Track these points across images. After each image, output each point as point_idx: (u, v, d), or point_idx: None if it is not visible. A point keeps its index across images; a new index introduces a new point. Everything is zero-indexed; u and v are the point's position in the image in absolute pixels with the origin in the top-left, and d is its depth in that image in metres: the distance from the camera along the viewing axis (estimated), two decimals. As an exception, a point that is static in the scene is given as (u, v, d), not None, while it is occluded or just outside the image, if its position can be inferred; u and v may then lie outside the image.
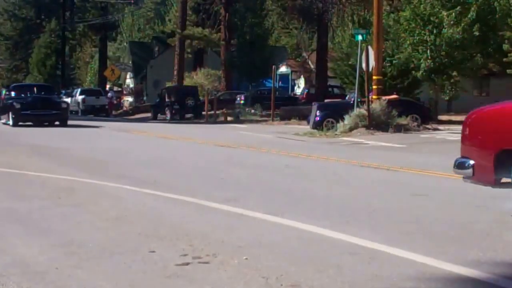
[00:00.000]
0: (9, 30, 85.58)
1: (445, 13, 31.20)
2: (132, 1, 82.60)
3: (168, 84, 52.96)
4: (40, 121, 32.35)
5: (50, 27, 79.03)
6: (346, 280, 5.47)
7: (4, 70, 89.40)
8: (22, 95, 34.52)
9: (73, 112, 56.55)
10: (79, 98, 56.27)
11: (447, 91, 34.18)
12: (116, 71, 61.69)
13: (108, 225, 7.81)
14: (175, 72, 53.05)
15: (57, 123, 33.24)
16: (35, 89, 36.83)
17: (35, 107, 32.56)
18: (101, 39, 74.74)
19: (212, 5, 55.32)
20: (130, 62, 75.45)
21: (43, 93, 35.41)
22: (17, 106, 32.49)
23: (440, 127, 28.83)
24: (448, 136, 23.88)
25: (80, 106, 55.93)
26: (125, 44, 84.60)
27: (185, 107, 45.69)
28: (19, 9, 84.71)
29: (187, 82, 53.33)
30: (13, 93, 35.07)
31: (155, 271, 5.78)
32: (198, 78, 54.12)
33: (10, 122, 32.46)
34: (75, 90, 62.19)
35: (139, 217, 8.35)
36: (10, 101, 33.64)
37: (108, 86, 72.10)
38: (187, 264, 5.99)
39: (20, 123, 32.50)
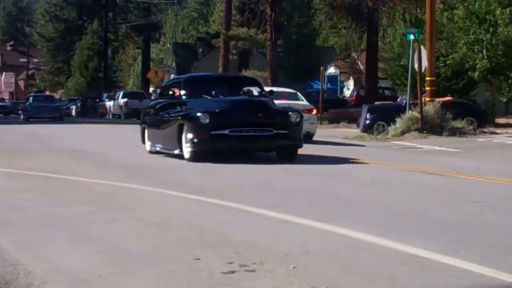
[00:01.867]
0: (51, 32, 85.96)
1: (499, 11, 30.64)
2: (175, 1, 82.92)
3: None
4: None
5: (92, 29, 79.32)
6: (398, 290, 5.30)
7: (46, 73, 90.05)
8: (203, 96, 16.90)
9: (116, 116, 57.04)
10: (122, 101, 56.59)
11: (505, 93, 33.56)
12: (159, 73, 61.91)
13: (152, 232, 7.73)
14: (220, 74, 53.09)
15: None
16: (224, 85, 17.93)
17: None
18: (144, 40, 75.21)
19: (258, 5, 55.16)
20: (174, 64, 75.70)
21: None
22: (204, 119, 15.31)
23: (498, 130, 28.41)
24: (507, 140, 23.56)
25: (123, 110, 56.19)
26: (168, 45, 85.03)
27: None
28: (61, 10, 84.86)
29: (232, 83, 53.31)
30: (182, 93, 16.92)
31: (200, 280, 5.67)
32: (244, 80, 54.07)
33: (187, 155, 15.72)
34: (118, 93, 62.62)
35: (183, 223, 8.28)
36: (184, 111, 16.30)
37: (151, 89, 72.47)
38: (233, 272, 5.86)
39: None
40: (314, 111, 26.06)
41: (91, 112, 64.15)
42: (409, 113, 26.23)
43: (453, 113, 26.42)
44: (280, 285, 5.50)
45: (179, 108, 16.59)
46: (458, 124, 26.27)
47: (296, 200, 10.23)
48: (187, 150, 15.53)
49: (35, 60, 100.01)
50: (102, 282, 5.66)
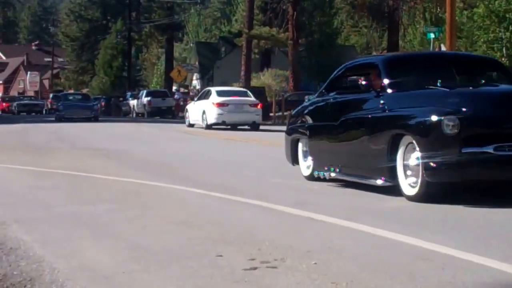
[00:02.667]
0: (75, 32, 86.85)
1: None
2: (199, 0, 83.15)
3: (235, 85, 53.14)
4: None
5: (116, 28, 79.93)
6: (418, 286, 5.33)
7: (70, 72, 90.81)
8: None
9: (140, 115, 57.31)
10: (145, 100, 56.79)
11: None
12: (182, 72, 62.16)
13: (175, 229, 7.78)
14: (242, 73, 53.16)
15: None
16: None
17: None
18: (167, 39, 75.45)
19: (280, 4, 55.21)
20: (197, 63, 75.96)
21: None
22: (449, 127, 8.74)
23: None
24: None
25: (146, 108, 56.42)
26: (191, 44, 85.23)
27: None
28: (85, 10, 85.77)
29: (254, 82, 53.46)
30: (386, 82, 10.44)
31: (223, 276, 5.72)
32: (265, 78, 54.23)
33: (414, 190, 9.48)
34: (141, 92, 62.87)
35: (206, 220, 8.31)
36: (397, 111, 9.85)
37: (174, 88, 72.72)
38: (255, 268, 5.90)
39: None
40: (259, 106, 33.84)
41: (115, 111, 64.47)
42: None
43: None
44: (301, 281, 5.52)
45: (382, 107, 10.06)
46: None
47: (316, 197, 10.24)
48: (412, 181, 9.36)
49: (60, 59, 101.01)
50: (125, 279, 5.71)
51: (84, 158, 17.28)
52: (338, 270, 5.84)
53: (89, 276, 5.84)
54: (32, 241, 7.18)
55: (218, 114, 32.20)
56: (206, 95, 34.65)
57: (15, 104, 71.73)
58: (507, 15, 30.79)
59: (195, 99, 38.05)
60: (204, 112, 33.01)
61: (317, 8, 54.05)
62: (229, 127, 32.73)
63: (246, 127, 33.06)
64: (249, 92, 36.29)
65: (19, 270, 6.09)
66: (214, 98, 32.98)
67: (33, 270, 6.05)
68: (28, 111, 68.55)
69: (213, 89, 35.37)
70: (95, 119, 44.29)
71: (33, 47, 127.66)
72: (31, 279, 5.79)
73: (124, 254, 6.57)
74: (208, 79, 72.29)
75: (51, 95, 69.07)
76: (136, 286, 5.52)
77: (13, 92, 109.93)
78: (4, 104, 77.62)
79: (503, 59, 31.05)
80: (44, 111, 69.95)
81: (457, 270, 5.79)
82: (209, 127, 32.49)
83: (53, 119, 45.57)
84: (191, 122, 35.46)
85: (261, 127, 33.96)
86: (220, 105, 32.22)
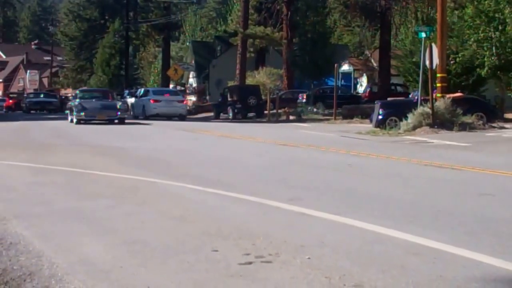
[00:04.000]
0: (74, 31, 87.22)
1: (508, 10, 30.66)
2: (195, 0, 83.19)
3: (230, 83, 53.15)
4: None
5: (113, 28, 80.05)
6: (410, 281, 5.44)
7: (69, 70, 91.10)
8: None
9: (137, 112, 57.26)
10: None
11: (514, 89, 33.58)
12: (179, 71, 62.18)
13: (172, 224, 7.88)
14: (237, 71, 53.18)
15: None
16: None
17: None
18: (164, 39, 75.40)
19: (274, 4, 55.28)
20: (193, 62, 75.90)
21: None
22: None
23: (507, 125, 28.33)
24: (515, 135, 23.53)
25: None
26: (187, 43, 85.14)
27: (247, 106, 45.81)
28: (83, 10, 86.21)
29: (249, 81, 53.43)
30: None
31: (218, 270, 5.82)
32: (260, 77, 54.18)
33: None
34: (139, 90, 62.77)
35: (202, 216, 8.39)
36: None
37: (171, 86, 72.67)
38: (250, 263, 6.01)
39: None
40: (185, 102, 47.12)
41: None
42: (420, 109, 26.29)
43: (463, 109, 26.43)
44: (295, 275, 5.62)
45: None
46: (468, 119, 26.27)
47: (310, 193, 10.33)
48: None
49: (59, 58, 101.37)
50: (123, 273, 5.80)
51: (82, 154, 17.26)
52: (331, 264, 5.94)
53: (88, 270, 5.92)
54: (31, 236, 7.28)
55: (153, 108, 41.91)
56: (145, 94, 44.83)
57: (26, 101, 63.44)
58: (496, 15, 30.98)
59: (138, 97, 46.43)
60: (143, 107, 42.74)
61: (310, 8, 54.03)
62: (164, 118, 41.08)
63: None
64: (179, 91, 49.54)
65: (19, 265, 6.19)
66: (151, 96, 43.12)
67: (33, 265, 6.16)
68: (41, 109, 61.85)
69: (151, 89, 47.59)
70: (120, 121, 34.81)
71: (33, 46, 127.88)
72: (31, 274, 5.89)
73: (122, 249, 6.66)
74: (204, 78, 72.22)
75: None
76: (133, 281, 5.59)
77: (13, 91, 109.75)
78: (11, 100, 71.99)
79: (492, 58, 31.22)
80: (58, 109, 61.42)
81: (448, 264, 5.90)
82: (147, 117, 41.33)
83: (70, 120, 36.29)
84: (135, 114, 44.50)
85: (259, 123, 34.01)
86: (155, 101, 42.24)
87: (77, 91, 40.93)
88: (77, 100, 36.55)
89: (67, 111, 39.72)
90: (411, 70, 39.46)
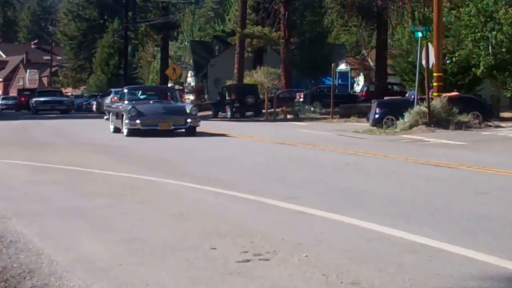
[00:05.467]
0: (73, 31, 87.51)
1: (503, 10, 30.74)
2: (193, 0, 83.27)
3: (229, 83, 53.15)
4: None
5: (112, 27, 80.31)
6: (406, 278, 5.47)
7: (69, 70, 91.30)
8: None
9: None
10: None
11: (510, 88, 33.63)
12: (177, 70, 62.17)
13: (171, 222, 7.92)
14: (235, 71, 53.20)
15: None
16: None
17: None
18: (163, 38, 75.40)
19: (272, 4, 55.28)
20: (191, 61, 75.96)
21: None
22: None
23: (502, 124, 28.37)
24: (511, 134, 23.54)
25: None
26: (186, 43, 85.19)
27: (246, 105, 45.84)
28: (83, 10, 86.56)
29: (247, 80, 53.44)
30: None
31: (216, 268, 5.85)
32: (258, 76, 54.18)
33: None
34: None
35: (201, 214, 8.43)
36: None
37: (169, 85, 72.70)
38: (248, 261, 6.04)
39: None
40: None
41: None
42: (417, 108, 26.33)
43: (459, 108, 26.47)
44: (293, 273, 5.65)
45: None
46: (464, 118, 26.31)
47: (307, 191, 10.37)
48: None
49: (58, 57, 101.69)
50: (122, 271, 5.84)
51: (82, 153, 17.29)
52: (328, 262, 5.98)
53: (87, 268, 5.96)
54: (31, 234, 7.32)
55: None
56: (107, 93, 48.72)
57: (33, 100, 55.94)
58: (494, 15, 31.06)
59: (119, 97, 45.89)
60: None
61: (308, 7, 54.11)
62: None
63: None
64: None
65: (18, 263, 6.23)
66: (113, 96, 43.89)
67: (32, 263, 6.19)
68: (50, 109, 54.08)
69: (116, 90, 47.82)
70: (190, 131, 24.33)
71: (33, 46, 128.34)
72: (30, 271, 5.92)
73: (121, 247, 6.69)
74: (202, 77, 72.27)
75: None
76: (132, 278, 5.62)
77: (13, 90, 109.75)
78: (22, 98, 66.64)
79: (488, 57, 31.29)
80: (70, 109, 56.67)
81: (444, 262, 5.94)
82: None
83: (112, 129, 26.81)
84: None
85: (256, 122, 34.08)
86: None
87: (125, 89, 28.29)
88: (126, 101, 25.65)
89: (106, 117, 29.73)
90: (408, 69, 39.50)
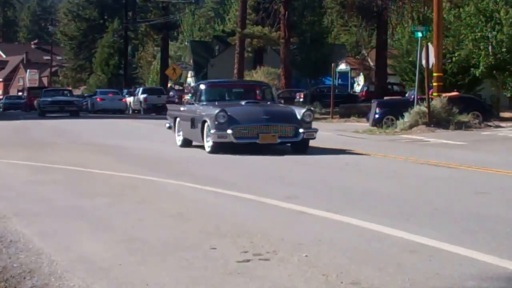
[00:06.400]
0: (73, 31, 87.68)
1: (503, 11, 30.78)
2: (193, 0, 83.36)
3: (228, 82, 53.04)
4: None
5: (112, 27, 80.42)
6: (406, 278, 5.47)
7: (69, 70, 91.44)
8: None
9: (136, 111, 57.24)
10: (141, 97, 56.72)
11: (509, 88, 33.67)
12: (177, 70, 62.24)
13: (170, 222, 7.92)
14: (235, 71, 53.17)
15: None
16: None
17: None
18: (163, 38, 75.51)
19: (272, 4, 55.28)
20: (191, 61, 76.04)
21: None
22: None
23: (502, 124, 28.38)
24: (511, 134, 23.55)
25: (142, 105, 56.44)
26: (186, 43, 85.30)
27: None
28: (83, 10, 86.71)
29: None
30: None
31: (216, 268, 5.85)
32: (258, 76, 54.14)
33: None
34: (137, 89, 62.78)
35: (200, 214, 8.43)
36: None
37: (169, 85, 72.76)
38: (248, 261, 6.04)
39: None
40: (124, 100, 57.41)
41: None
42: (417, 108, 26.32)
43: (459, 108, 26.47)
44: (292, 273, 5.65)
45: None
46: (464, 118, 26.30)
47: (307, 191, 10.38)
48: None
49: (58, 57, 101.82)
50: (122, 271, 5.85)
51: (82, 153, 17.29)
52: (328, 262, 5.98)
53: (87, 268, 5.96)
54: (31, 234, 7.33)
55: (99, 104, 54.67)
56: (94, 94, 58.06)
57: (40, 101, 49.71)
58: (494, 15, 31.09)
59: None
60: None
61: (307, 7, 54.11)
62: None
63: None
64: (119, 92, 61.84)
65: (18, 262, 6.24)
66: (98, 95, 55.82)
67: (33, 262, 6.20)
68: (59, 110, 48.51)
69: (98, 90, 60.00)
70: (301, 146, 16.92)
71: (33, 46, 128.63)
72: (31, 271, 5.93)
73: (121, 247, 6.70)
74: (202, 77, 72.21)
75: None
76: (132, 278, 5.63)
77: (13, 90, 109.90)
78: (32, 98, 60.34)
79: (488, 57, 31.34)
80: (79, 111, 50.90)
81: (444, 262, 5.94)
82: (95, 112, 52.96)
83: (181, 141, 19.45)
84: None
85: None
86: (100, 99, 55.22)
87: (202, 86, 19.38)
88: (204, 102, 18.13)
89: (168, 124, 20.44)
90: (408, 69, 39.52)
